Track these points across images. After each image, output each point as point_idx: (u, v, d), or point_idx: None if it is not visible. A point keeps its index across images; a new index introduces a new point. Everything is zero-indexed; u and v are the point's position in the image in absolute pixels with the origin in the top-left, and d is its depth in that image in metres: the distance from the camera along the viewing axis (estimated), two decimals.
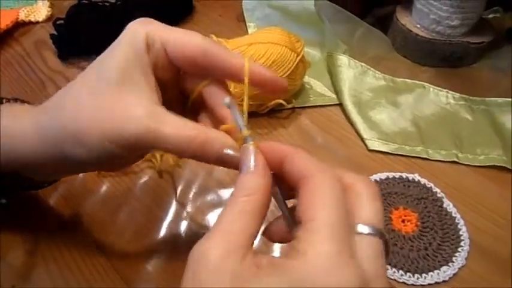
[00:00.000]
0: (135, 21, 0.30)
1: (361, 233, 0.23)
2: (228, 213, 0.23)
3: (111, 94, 0.28)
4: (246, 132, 0.26)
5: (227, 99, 0.27)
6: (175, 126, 0.27)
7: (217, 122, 0.30)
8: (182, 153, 0.28)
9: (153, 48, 0.29)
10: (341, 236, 0.21)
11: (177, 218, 0.41)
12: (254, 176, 0.24)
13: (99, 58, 0.30)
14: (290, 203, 0.27)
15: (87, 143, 0.28)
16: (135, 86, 0.28)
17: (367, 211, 0.24)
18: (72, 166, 0.32)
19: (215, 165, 0.29)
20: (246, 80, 0.29)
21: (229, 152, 0.27)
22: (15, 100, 0.36)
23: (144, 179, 0.45)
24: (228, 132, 0.29)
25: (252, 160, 0.25)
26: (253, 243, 0.23)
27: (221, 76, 0.30)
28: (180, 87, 0.32)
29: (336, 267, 0.20)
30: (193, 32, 0.30)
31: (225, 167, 0.28)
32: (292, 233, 0.23)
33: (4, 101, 0.35)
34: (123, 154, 0.28)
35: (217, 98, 0.29)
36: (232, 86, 0.45)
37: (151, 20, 0.30)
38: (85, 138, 0.28)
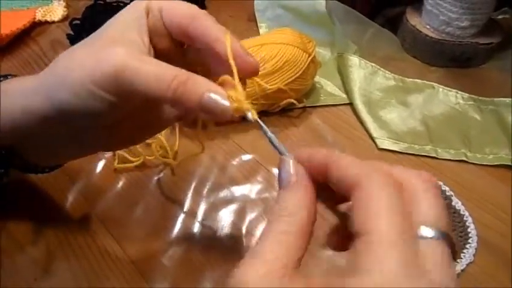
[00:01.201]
0: None
1: (425, 237, 0.20)
2: (270, 233, 0.22)
3: (102, 44, 0.28)
4: (282, 148, 0.25)
5: (249, 115, 0.26)
6: (153, 64, 0.27)
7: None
8: (161, 95, 0.27)
9: (151, 15, 0.30)
10: (404, 245, 0.19)
11: (191, 214, 0.42)
12: (295, 192, 0.23)
13: (100, 27, 0.31)
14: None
15: (73, 84, 0.28)
16: (127, 41, 0.29)
17: (427, 210, 0.21)
18: (66, 129, 0.31)
19: (195, 112, 0.27)
20: (231, 58, 0.28)
21: (213, 96, 0.26)
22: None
23: (159, 175, 0.46)
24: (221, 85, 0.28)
25: (291, 174, 0.23)
26: (299, 262, 0.21)
27: (204, 46, 0.30)
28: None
29: (405, 284, 0.18)
30: (189, 3, 0.31)
31: (207, 116, 0.27)
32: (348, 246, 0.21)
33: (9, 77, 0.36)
34: (107, 99, 0.28)
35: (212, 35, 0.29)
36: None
37: None
38: (71, 80, 0.28)
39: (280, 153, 0.25)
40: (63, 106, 0.29)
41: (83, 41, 0.31)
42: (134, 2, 0.31)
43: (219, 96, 0.26)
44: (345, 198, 0.23)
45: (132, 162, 0.46)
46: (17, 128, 0.32)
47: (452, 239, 0.21)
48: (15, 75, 0.36)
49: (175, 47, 0.32)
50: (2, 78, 0.34)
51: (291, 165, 0.24)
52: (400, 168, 0.23)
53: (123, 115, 0.31)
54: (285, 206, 0.22)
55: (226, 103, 0.26)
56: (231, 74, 0.27)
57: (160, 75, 0.26)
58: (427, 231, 0.20)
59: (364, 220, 0.20)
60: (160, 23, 0.30)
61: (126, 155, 0.46)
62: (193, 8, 0.30)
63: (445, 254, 0.20)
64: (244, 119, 0.27)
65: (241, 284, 0.20)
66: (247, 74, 0.30)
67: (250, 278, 0.20)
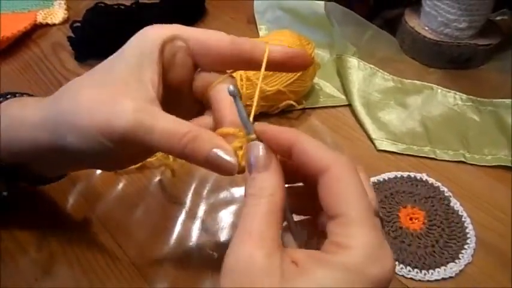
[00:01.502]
0: (149, 26, 0.30)
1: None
2: (256, 214, 0.23)
3: (109, 90, 0.28)
4: (249, 127, 0.25)
5: (231, 87, 0.25)
6: (165, 121, 0.27)
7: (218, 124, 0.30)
8: (171, 150, 0.27)
9: (171, 46, 0.29)
10: (375, 224, 0.23)
11: (191, 215, 0.43)
12: (270, 174, 0.24)
13: (108, 58, 0.30)
14: None
15: (82, 133, 0.28)
16: (134, 87, 0.28)
17: (370, 194, 0.25)
18: (71, 158, 0.32)
19: (204, 167, 0.28)
20: (264, 61, 0.29)
21: (219, 152, 0.27)
22: (25, 94, 0.37)
23: (159, 177, 0.46)
24: (224, 136, 0.28)
25: (264, 157, 0.25)
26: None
27: (246, 66, 0.31)
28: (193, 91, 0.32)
29: (378, 254, 0.22)
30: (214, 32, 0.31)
31: (212, 170, 0.27)
32: (326, 229, 0.24)
33: (17, 95, 0.36)
34: (115, 149, 0.28)
35: (225, 100, 0.29)
36: (244, 87, 0.47)
37: (165, 25, 0.31)
38: (80, 128, 0.28)
39: (248, 132, 0.25)
40: (71, 148, 0.29)
41: (89, 76, 0.30)
42: (145, 31, 0.30)
43: (224, 153, 0.27)
44: (303, 180, 0.26)
45: None
46: (26, 154, 0.33)
47: (381, 217, 0.26)
48: (14, 94, 0.36)
49: (190, 75, 0.32)
50: (2, 99, 0.35)
51: (263, 149, 0.25)
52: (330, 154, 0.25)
53: (125, 156, 0.31)
54: (265, 186, 0.24)
55: (232, 160, 0.27)
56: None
57: (172, 133, 0.27)
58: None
59: (337, 203, 0.23)
60: (183, 53, 0.30)
61: None
62: (224, 33, 0.30)
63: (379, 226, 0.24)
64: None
65: (249, 263, 0.21)
66: (302, 68, 0.32)
67: (257, 259, 0.21)
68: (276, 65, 0.31)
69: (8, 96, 0.35)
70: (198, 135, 0.27)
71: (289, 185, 0.28)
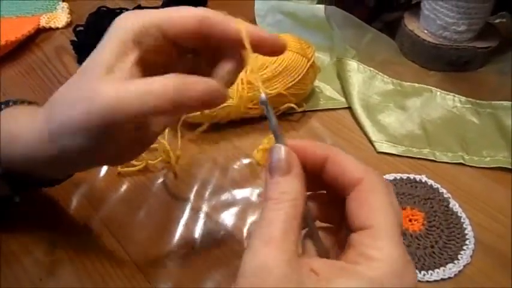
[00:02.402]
0: (121, 14, 0.30)
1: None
2: (276, 219, 0.22)
3: (90, 84, 0.28)
4: (281, 139, 0.25)
5: (263, 95, 0.25)
6: (142, 84, 0.27)
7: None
8: (162, 108, 0.27)
9: (146, 37, 0.29)
10: (399, 238, 0.22)
11: (194, 216, 0.43)
12: (294, 179, 0.24)
13: (90, 55, 0.30)
14: None
15: (72, 128, 0.29)
16: (111, 77, 0.28)
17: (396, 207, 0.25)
18: (71, 160, 0.32)
19: (197, 109, 0.28)
20: (248, 45, 0.28)
21: (212, 85, 0.27)
22: (23, 102, 0.38)
23: (162, 178, 0.47)
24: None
25: (287, 160, 0.24)
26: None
27: (221, 43, 0.30)
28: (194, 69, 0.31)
29: (402, 269, 0.21)
30: (186, 6, 0.30)
31: (206, 106, 0.28)
32: (349, 240, 0.24)
33: (11, 103, 0.37)
34: (109, 137, 0.29)
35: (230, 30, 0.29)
36: (245, 91, 0.47)
37: (138, 10, 0.30)
38: (69, 124, 0.29)
39: (278, 141, 0.25)
40: (68, 148, 0.30)
41: (73, 77, 0.31)
42: (115, 22, 0.30)
43: (218, 87, 0.27)
44: (334, 194, 0.26)
45: (135, 166, 0.47)
46: (25, 162, 0.34)
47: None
48: (15, 102, 0.37)
49: (178, 57, 0.32)
50: (3, 106, 0.36)
51: (285, 152, 0.24)
52: (364, 168, 0.25)
53: (116, 143, 0.31)
54: (287, 191, 0.23)
55: (223, 91, 0.27)
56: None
57: (154, 90, 0.27)
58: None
59: (368, 215, 0.23)
60: (160, 40, 0.29)
61: None
62: (197, 10, 0.29)
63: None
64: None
65: (266, 268, 0.21)
66: (276, 50, 0.30)
67: (274, 264, 0.21)
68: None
69: (10, 103, 0.36)
70: (184, 80, 0.27)
71: (313, 192, 0.28)
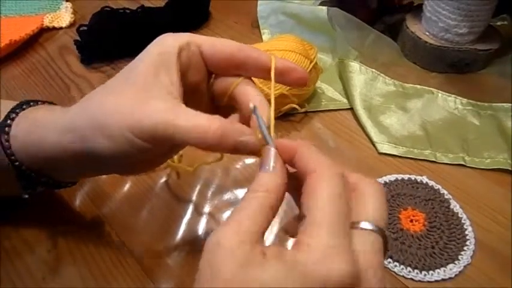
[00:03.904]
0: (165, 34, 0.32)
1: (363, 229, 0.24)
2: (244, 205, 0.24)
3: (134, 94, 0.30)
4: (268, 138, 0.28)
5: (251, 105, 0.29)
6: (190, 116, 0.29)
7: (246, 123, 0.31)
8: (201, 144, 0.29)
9: (187, 51, 0.31)
10: (338, 230, 0.23)
11: (196, 216, 0.44)
12: (273, 175, 0.26)
13: (128, 65, 0.32)
14: None
15: (110, 132, 0.29)
16: (157, 87, 0.30)
17: (369, 209, 0.25)
18: (96, 162, 0.33)
19: (231, 153, 0.30)
20: (272, 74, 0.31)
21: (244, 139, 0.29)
22: (46, 102, 0.39)
23: (164, 178, 0.47)
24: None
25: (272, 161, 0.26)
26: (263, 235, 0.24)
27: (252, 71, 0.32)
28: (211, 94, 0.34)
29: (330, 257, 0.22)
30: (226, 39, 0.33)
31: (240, 153, 0.30)
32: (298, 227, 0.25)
33: (40, 103, 0.38)
34: (143, 147, 0.29)
35: (247, 98, 0.31)
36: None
37: (180, 33, 0.32)
38: (108, 128, 0.30)
39: (267, 142, 0.28)
40: (98, 150, 0.31)
41: (110, 83, 0.32)
42: (162, 38, 0.32)
43: (250, 138, 0.29)
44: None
45: None
46: (48, 158, 0.34)
47: (386, 235, 0.25)
48: (36, 101, 0.37)
49: (205, 79, 0.34)
50: (25, 106, 0.36)
51: (272, 154, 0.27)
52: (356, 174, 0.27)
53: (152, 155, 0.32)
54: (262, 183, 0.25)
55: (256, 142, 0.29)
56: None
57: (196, 127, 0.28)
58: (365, 225, 0.25)
59: (310, 203, 0.24)
60: (198, 58, 0.32)
61: None
62: (234, 41, 0.33)
63: (376, 245, 0.24)
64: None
65: (218, 244, 0.23)
66: (300, 84, 0.33)
67: (226, 241, 0.22)
68: (276, 75, 0.32)
69: (31, 103, 0.37)
70: (222, 125, 0.28)
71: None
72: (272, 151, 0.27)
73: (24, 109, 0.36)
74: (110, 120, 0.29)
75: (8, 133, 0.34)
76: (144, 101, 0.29)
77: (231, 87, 0.33)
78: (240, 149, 0.29)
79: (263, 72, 0.32)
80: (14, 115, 0.35)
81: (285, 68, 0.32)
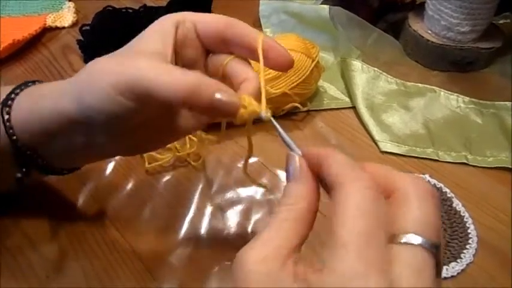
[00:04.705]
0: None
1: (405, 244, 0.21)
2: (272, 221, 0.23)
3: (127, 55, 0.31)
4: (293, 146, 0.26)
5: (263, 113, 0.28)
6: (167, 71, 0.28)
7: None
8: (174, 98, 0.28)
9: (183, 27, 0.32)
10: (367, 253, 0.20)
11: (199, 215, 0.44)
12: (297, 184, 0.24)
13: (133, 40, 0.33)
14: None
15: (96, 90, 0.30)
16: (150, 52, 0.31)
17: (414, 217, 0.21)
18: (89, 132, 0.33)
19: (207, 114, 0.30)
20: (260, 52, 0.31)
21: (220, 96, 0.28)
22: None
23: (167, 177, 0.47)
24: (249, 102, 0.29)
25: (296, 168, 0.25)
26: (298, 250, 0.23)
27: (238, 49, 0.33)
28: (208, 73, 0.34)
29: (362, 284, 0.19)
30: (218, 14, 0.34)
31: (216, 115, 0.29)
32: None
33: (30, 84, 0.37)
34: (127, 106, 0.29)
35: (240, 76, 0.32)
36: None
37: (179, 12, 0.34)
38: (94, 85, 0.30)
39: (291, 149, 0.26)
40: (87, 108, 0.31)
41: (112, 53, 0.33)
42: (162, 17, 0.33)
43: (225, 96, 0.28)
44: None
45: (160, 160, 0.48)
46: (44, 129, 0.34)
47: (440, 253, 0.21)
48: (40, 81, 0.38)
49: (202, 57, 0.34)
50: (30, 84, 0.36)
51: (296, 161, 0.25)
52: (396, 173, 0.24)
53: (140, 121, 0.32)
54: (288, 196, 0.24)
55: (235, 100, 0.28)
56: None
57: (175, 82, 0.28)
58: (408, 238, 0.21)
59: (336, 222, 0.21)
60: (192, 34, 0.33)
61: (155, 154, 0.48)
62: (227, 17, 0.33)
63: (426, 262, 0.20)
64: (258, 120, 0.29)
65: (241, 265, 0.22)
66: (282, 66, 0.33)
67: (249, 259, 0.22)
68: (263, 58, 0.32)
69: (36, 82, 0.37)
70: (199, 81, 0.28)
71: None
72: (296, 159, 0.25)
73: (29, 86, 0.36)
74: (97, 76, 0.30)
75: (10, 106, 0.35)
76: (131, 60, 0.30)
77: (223, 64, 0.33)
78: (216, 108, 0.28)
79: (249, 51, 0.32)
80: (18, 90, 0.36)
81: (271, 49, 0.32)
